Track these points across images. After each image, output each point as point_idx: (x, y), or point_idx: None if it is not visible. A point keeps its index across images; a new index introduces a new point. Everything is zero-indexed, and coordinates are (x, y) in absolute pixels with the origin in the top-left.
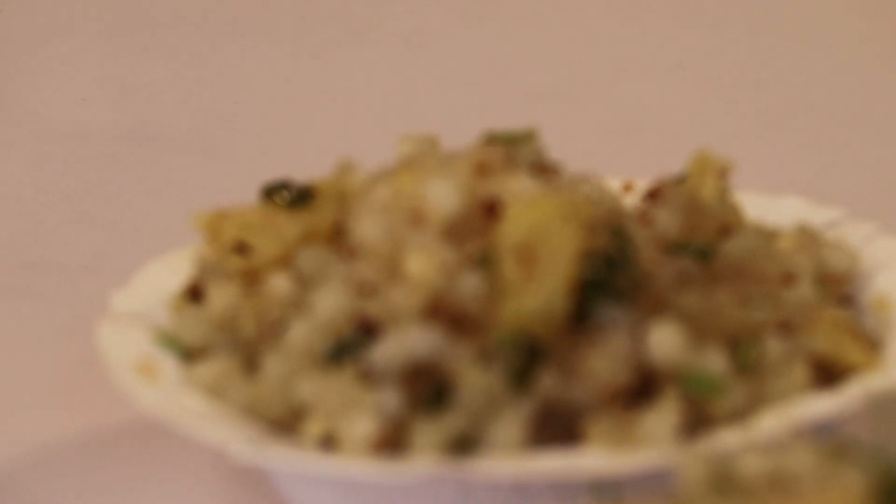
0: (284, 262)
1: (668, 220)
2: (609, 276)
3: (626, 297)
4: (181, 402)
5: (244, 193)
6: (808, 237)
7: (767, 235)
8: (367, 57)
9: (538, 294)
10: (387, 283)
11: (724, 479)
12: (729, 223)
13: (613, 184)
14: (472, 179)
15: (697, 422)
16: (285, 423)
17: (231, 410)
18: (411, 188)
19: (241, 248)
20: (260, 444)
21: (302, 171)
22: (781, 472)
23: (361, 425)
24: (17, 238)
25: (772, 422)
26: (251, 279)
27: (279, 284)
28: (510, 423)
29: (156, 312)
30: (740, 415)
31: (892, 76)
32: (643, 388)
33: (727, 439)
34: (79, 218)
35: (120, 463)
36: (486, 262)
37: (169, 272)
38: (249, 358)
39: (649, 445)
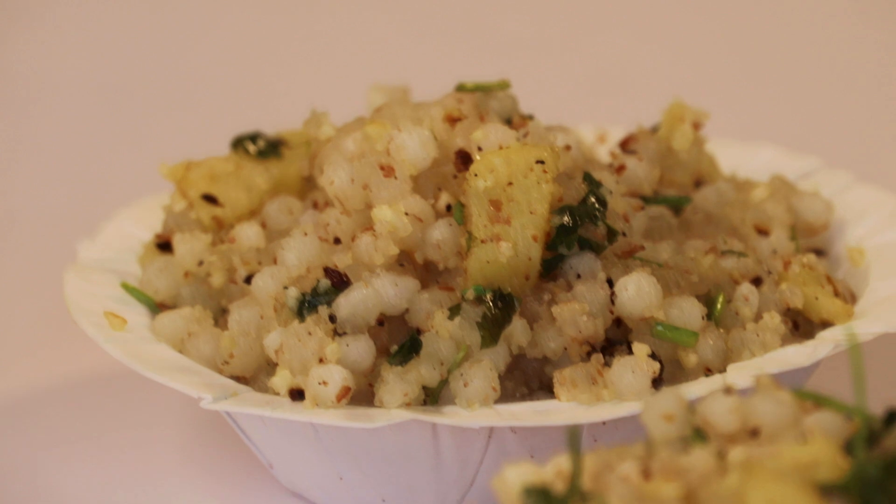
0: (253, 212)
1: (641, 171)
2: (581, 226)
3: (597, 248)
4: (148, 351)
5: (214, 144)
6: (782, 187)
7: (741, 185)
8: (338, 7)
9: (509, 244)
10: (356, 235)
11: (695, 428)
12: (703, 173)
13: (587, 134)
14: (443, 129)
15: (669, 371)
16: (253, 374)
17: (199, 361)
18: (381, 138)
19: (210, 199)
20: (229, 393)
21: (272, 122)
22: (754, 421)
23: (330, 375)
24: None
25: (744, 371)
26: (220, 230)
27: (248, 235)
28: (481, 373)
29: (124, 262)
30: (713, 364)
31: (868, 27)
32: (614, 338)
33: (699, 388)
34: (46, 168)
35: (87, 411)
36: (456, 211)
37: (137, 222)
38: (218, 309)
39: (620, 395)
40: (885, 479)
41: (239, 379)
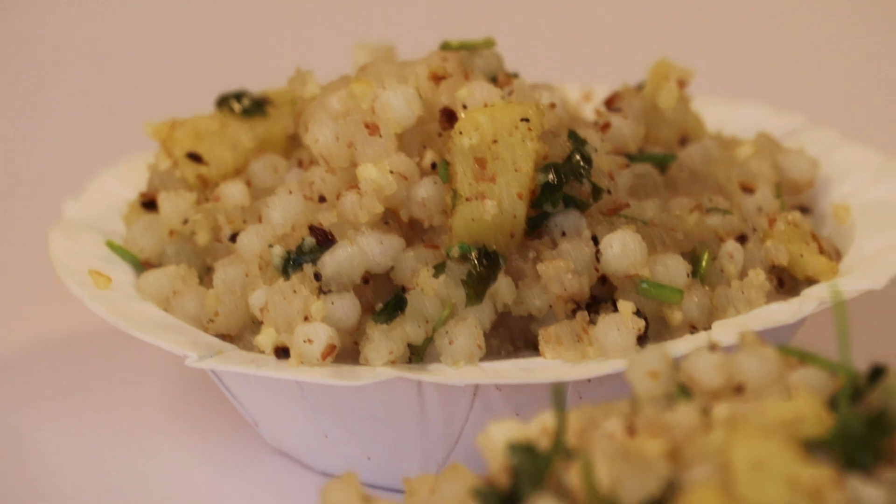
0: (238, 171)
1: (626, 128)
2: (566, 183)
3: (582, 206)
4: (133, 309)
5: (199, 103)
6: (767, 144)
7: (727, 143)
8: None
9: (494, 202)
10: (341, 193)
11: (680, 385)
12: (688, 131)
13: (572, 92)
14: (428, 87)
15: (654, 329)
16: (238, 332)
17: (184, 319)
18: (366, 97)
19: (195, 157)
20: (214, 351)
21: (257, 81)
22: (739, 377)
23: (315, 333)
24: None
25: (729, 328)
26: (204, 188)
27: (233, 193)
28: (466, 331)
29: (109, 221)
30: (698, 322)
31: None
32: (600, 295)
33: (684, 346)
34: (31, 127)
35: (73, 369)
36: (441, 169)
37: (122, 181)
38: (203, 267)
39: (605, 353)
40: (869, 434)
41: (224, 337)
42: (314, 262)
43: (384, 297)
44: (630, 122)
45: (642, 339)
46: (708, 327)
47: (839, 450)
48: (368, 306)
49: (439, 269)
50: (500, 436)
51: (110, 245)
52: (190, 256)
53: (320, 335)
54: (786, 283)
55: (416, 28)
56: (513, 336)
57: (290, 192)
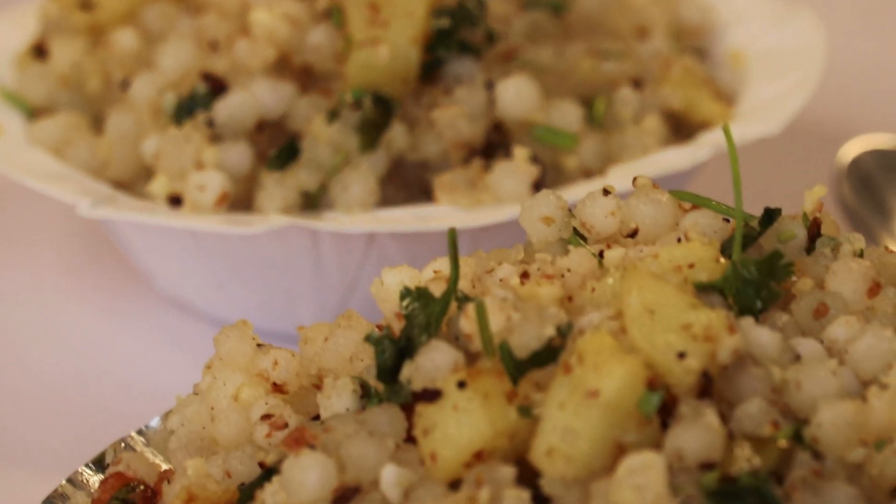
0: (130, 17)
1: None
2: (459, 29)
3: (477, 51)
4: (25, 158)
5: None
6: None
7: None
8: None
9: (387, 48)
10: (234, 39)
11: (574, 230)
12: None
13: None
14: None
15: (551, 178)
16: (131, 180)
17: (76, 168)
18: None
19: (86, 4)
20: (107, 201)
21: None
22: (633, 222)
23: (208, 181)
24: None
25: (624, 173)
26: (96, 35)
27: (125, 40)
28: (360, 178)
29: None
30: (593, 168)
31: None
32: (495, 142)
33: (578, 191)
34: None
35: None
36: (334, 15)
37: (12, 28)
38: (95, 115)
39: (500, 199)
40: (762, 278)
41: (117, 185)
42: (207, 109)
43: (278, 146)
44: None
45: (537, 186)
46: (603, 173)
47: (732, 294)
48: (262, 155)
49: (333, 115)
50: (393, 282)
51: (1, 93)
52: (82, 104)
53: (213, 182)
54: (681, 128)
55: None
56: (408, 184)
57: (183, 39)
